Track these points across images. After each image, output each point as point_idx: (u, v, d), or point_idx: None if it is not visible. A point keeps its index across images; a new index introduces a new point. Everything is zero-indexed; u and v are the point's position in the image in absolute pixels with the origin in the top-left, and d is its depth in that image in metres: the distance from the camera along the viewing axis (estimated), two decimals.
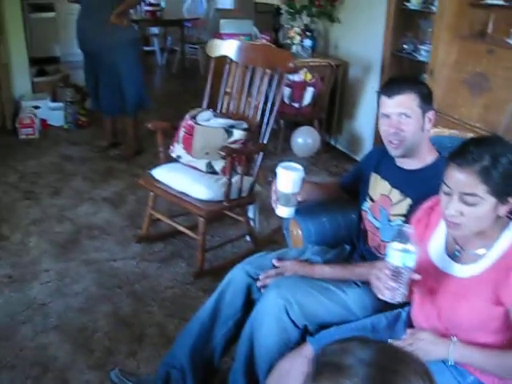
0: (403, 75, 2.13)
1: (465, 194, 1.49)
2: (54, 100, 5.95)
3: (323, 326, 1.92)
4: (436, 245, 1.71)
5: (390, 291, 1.59)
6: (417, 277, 1.60)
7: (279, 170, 2.10)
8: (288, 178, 2.08)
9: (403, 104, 1.93)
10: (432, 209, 1.75)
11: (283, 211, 2.15)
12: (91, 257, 3.43)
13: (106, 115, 5.13)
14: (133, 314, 2.91)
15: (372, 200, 2.16)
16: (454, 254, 1.65)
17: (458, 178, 1.49)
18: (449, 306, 1.61)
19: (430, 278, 1.65)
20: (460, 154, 1.51)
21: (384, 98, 1.97)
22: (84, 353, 2.63)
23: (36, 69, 6.44)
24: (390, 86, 1.98)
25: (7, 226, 3.77)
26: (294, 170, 2.10)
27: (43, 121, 5.73)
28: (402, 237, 1.56)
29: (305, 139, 4.70)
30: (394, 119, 1.95)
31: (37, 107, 5.72)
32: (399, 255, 1.55)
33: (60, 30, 8.42)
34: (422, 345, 1.63)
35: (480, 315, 1.56)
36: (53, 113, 5.83)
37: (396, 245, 1.56)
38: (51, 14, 8.42)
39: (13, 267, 3.29)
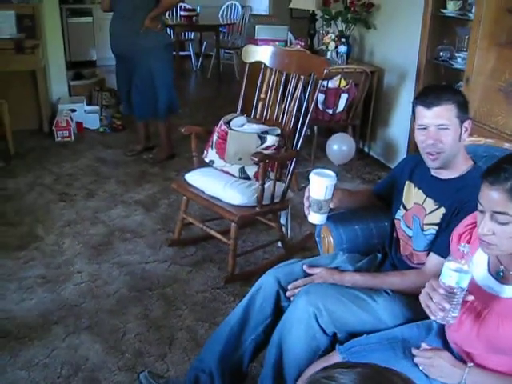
0: (438, 84, 2.09)
1: (496, 213, 1.45)
2: (89, 103, 6.04)
3: (353, 335, 1.91)
4: (479, 263, 1.65)
5: (442, 312, 1.54)
6: (471, 298, 1.56)
7: (312, 177, 2.09)
8: (320, 185, 2.07)
9: (442, 115, 1.89)
10: (475, 225, 1.68)
11: (315, 218, 2.14)
12: (123, 259, 3.46)
13: (139, 119, 5.17)
14: (163, 317, 2.93)
15: (405, 208, 2.13)
16: (497, 274, 1.60)
17: (490, 196, 1.46)
18: (490, 326, 1.56)
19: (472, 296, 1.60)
20: (493, 171, 1.47)
21: (421, 109, 1.93)
22: (114, 354, 2.66)
23: (73, 72, 6.54)
24: (427, 97, 1.93)
25: (42, 227, 3.83)
26: (327, 177, 2.09)
27: (79, 124, 5.82)
28: (457, 256, 1.51)
29: (340, 146, 4.66)
30: (432, 130, 1.92)
31: (73, 110, 5.81)
32: (455, 275, 1.50)
33: (96, 35, 8.55)
34: (440, 363, 1.62)
35: None
36: (88, 116, 5.92)
37: (452, 264, 1.51)
38: (88, 19, 8.56)
39: (47, 268, 3.35)
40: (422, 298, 1.61)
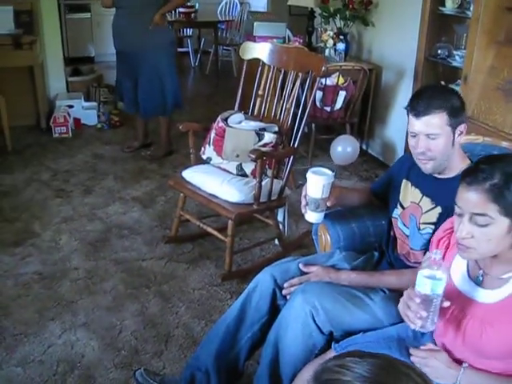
0: (433, 87, 2.06)
1: (475, 215, 1.44)
2: (87, 99, 6.03)
3: (349, 333, 1.90)
4: (458, 268, 1.64)
5: (420, 320, 1.53)
6: (446, 304, 1.54)
7: (309, 175, 2.09)
8: (317, 183, 2.07)
9: (432, 125, 1.86)
10: (453, 229, 1.64)
11: (312, 216, 2.14)
12: (120, 256, 3.46)
13: (145, 117, 5.15)
14: (160, 315, 2.93)
15: (402, 207, 2.13)
16: (477, 279, 1.59)
17: (468, 197, 1.44)
18: (474, 333, 1.54)
19: (453, 303, 1.59)
20: (470, 172, 1.46)
21: (411, 117, 1.91)
22: (111, 351, 2.65)
23: (71, 68, 6.52)
24: (417, 104, 1.88)
25: (39, 224, 3.82)
26: (324, 175, 2.08)
27: (77, 120, 5.79)
28: (430, 263, 1.50)
29: (344, 148, 4.64)
30: (422, 139, 1.90)
31: (71, 106, 5.79)
32: (429, 283, 1.49)
33: (95, 31, 8.54)
34: (435, 364, 1.61)
35: (508, 343, 1.49)
36: (86, 112, 5.90)
37: (425, 271, 1.50)
38: (87, 15, 8.54)
39: (43, 264, 3.34)
40: (401, 307, 1.60)
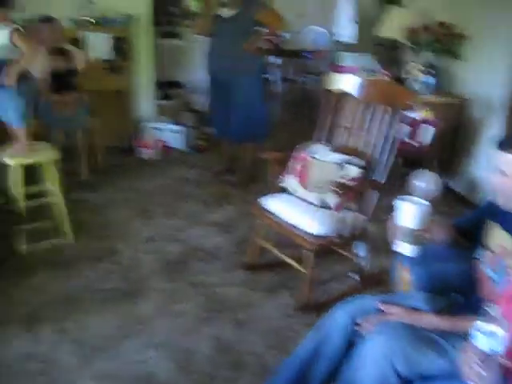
0: None
1: None
2: (175, 123, 6.18)
3: (425, 378, 1.84)
4: None
5: (478, 378, 1.46)
6: (508, 364, 1.46)
7: (403, 204, 2.02)
8: (413, 212, 2.00)
9: (503, 162, 1.87)
10: None
11: (405, 248, 2.06)
12: (199, 279, 3.50)
13: (235, 142, 5.23)
14: (234, 341, 2.93)
15: (488, 249, 2.06)
16: None
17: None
18: None
19: None
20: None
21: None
22: (184, 374, 2.68)
23: (160, 92, 6.71)
24: (505, 138, 1.93)
25: (121, 242, 3.93)
26: (420, 204, 2.03)
27: (163, 143, 5.95)
28: (487, 318, 1.44)
29: (426, 184, 4.53)
30: (496, 173, 1.90)
31: (159, 129, 5.95)
32: (484, 339, 1.43)
33: (185, 57, 8.76)
34: None
35: None
36: (173, 136, 6.05)
37: (481, 327, 1.44)
38: (178, 42, 8.77)
39: (124, 282, 3.43)
40: (460, 363, 1.54)
